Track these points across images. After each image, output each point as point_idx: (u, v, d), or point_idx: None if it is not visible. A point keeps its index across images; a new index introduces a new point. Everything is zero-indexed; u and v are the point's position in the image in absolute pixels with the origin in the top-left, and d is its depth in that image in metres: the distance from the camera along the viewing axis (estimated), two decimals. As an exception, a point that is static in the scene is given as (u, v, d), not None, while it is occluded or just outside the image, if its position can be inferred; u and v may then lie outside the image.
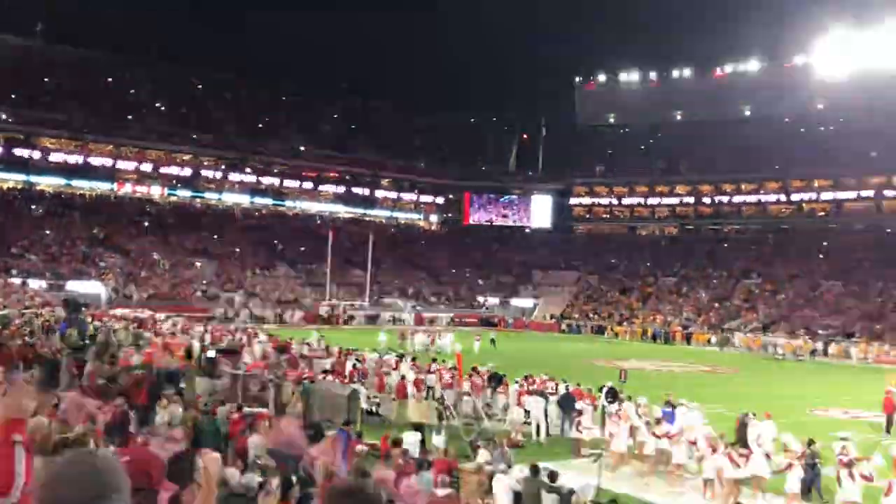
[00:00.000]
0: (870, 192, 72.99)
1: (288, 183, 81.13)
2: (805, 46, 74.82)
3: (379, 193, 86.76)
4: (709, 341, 58.33)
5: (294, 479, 10.47)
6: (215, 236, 71.34)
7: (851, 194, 74.01)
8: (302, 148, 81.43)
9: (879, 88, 72.03)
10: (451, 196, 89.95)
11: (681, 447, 15.15)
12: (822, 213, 76.24)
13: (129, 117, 73.88)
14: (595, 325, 66.21)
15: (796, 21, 74.16)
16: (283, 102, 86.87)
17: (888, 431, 21.93)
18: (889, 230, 70.37)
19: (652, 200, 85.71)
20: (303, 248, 72.63)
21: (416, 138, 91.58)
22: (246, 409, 16.55)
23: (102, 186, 71.67)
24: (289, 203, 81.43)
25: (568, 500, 10.26)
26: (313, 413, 18.84)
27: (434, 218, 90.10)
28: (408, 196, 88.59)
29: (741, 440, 16.64)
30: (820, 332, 56.33)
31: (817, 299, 63.29)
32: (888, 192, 72.03)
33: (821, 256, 69.86)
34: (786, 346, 52.89)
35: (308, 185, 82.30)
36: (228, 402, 17.18)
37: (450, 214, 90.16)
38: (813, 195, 76.60)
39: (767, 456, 14.31)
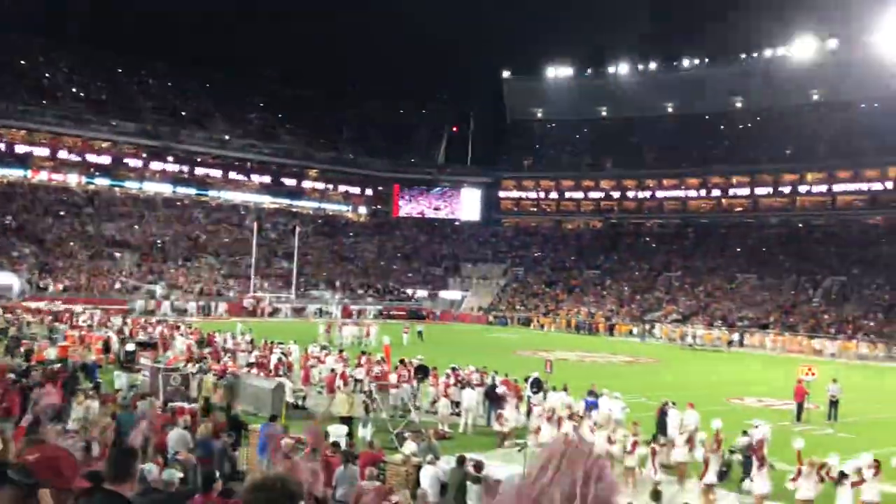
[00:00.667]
0: (785, 189, 75.91)
1: (212, 172, 79.32)
2: (735, 45, 77.23)
3: (306, 184, 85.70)
4: (630, 332, 59.84)
5: (217, 473, 10.28)
6: (135, 226, 69.30)
7: (768, 190, 76.85)
8: (227, 137, 79.76)
9: (794, 87, 75.16)
10: (380, 188, 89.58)
11: (601, 436, 15.46)
12: (740, 209, 78.95)
13: (45, 102, 71.00)
14: (521, 317, 67.06)
15: (730, 20, 76.31)
16: (209, 90, 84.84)
17: (798, 419, 22.87)
18: (802, 225, 73.38)
19: (578, 195, 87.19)
20: (227, 240, 71.26)
21: (345, 129, 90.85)
22: (166, 404, 16.17)
23: (15, 173, 68.77)
24: (213, 193, 79.58)
25: (494, 490, 10.37)
26: (236, 407, 18.53)
27: (363, 210, 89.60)
28: (336, 187, 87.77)
29: (661, 428, 17.11)
30: (737, 323, 58.44)
31: (734, 291, 65.54)
32: (802, 189, 75.03)
33: (738, 250, 72.33)
34: (704, 337, 54.68)
35: (233, 174, 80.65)
36: (148, 396, 16.75)
37: (379, 206, 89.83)
38: (731, 191, 79.23)
39: (690, 444, 14.72)
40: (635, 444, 14.59)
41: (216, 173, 79.51)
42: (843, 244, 67.00)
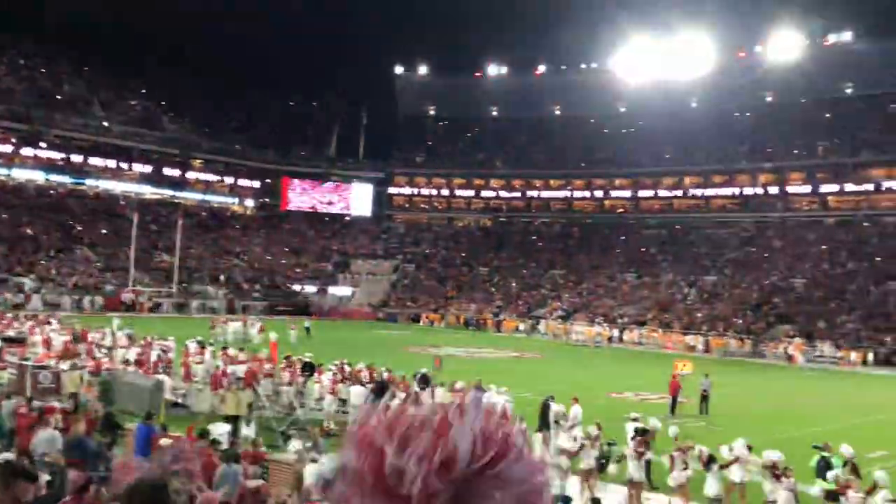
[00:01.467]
0: (664, 192, 79.37)
1: (89, 160, 75.33)
2: (610, 52, 79.84)
3: (190, 175, 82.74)
4: (517, 328, 61.11)
5: (90, 475, 9.77)
6: (4, 216, 65.04)
7: (648, 193, 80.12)
8: (106, 123, 75.99)
9: (674, 95, 78.74)
10: (268, 180, 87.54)
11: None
12: (621, 210, 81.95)
13: None
14: (411, 314, 67.26)
15: (602, 28, 78.89)
16: (87, 73, 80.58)
17: (672, 412, 23.90)
18: (679, 226, 76.89)
19: (469, 192, 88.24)
20: (104, 231, 67.94)
21: (233, 119, 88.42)
22: (35, 403, 15.27)
23: None
24: (90, 182, 75.47)
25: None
26: (111, 405, 17.70)
27: (250, 202, 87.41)
28: (222, 179, 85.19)
29: (544, 422, 17.54)
30: (617, 320, 60.65)
31: (615, 289, 67.99)
32: (679, 192, 78.65)
33: (619, 250, 75.10)
34: (586, 333, 56.48)
35: (112, 163, 76.83)
36: (15, 395, 15.77)
37: (267, 199, 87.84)
38: (613, 192, 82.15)
39: (575, 439, 15.12)
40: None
41: (94, 161, 75.55)
42: (716, 245, 70.66)
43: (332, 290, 73.75)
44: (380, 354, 30.29)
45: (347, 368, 23.22)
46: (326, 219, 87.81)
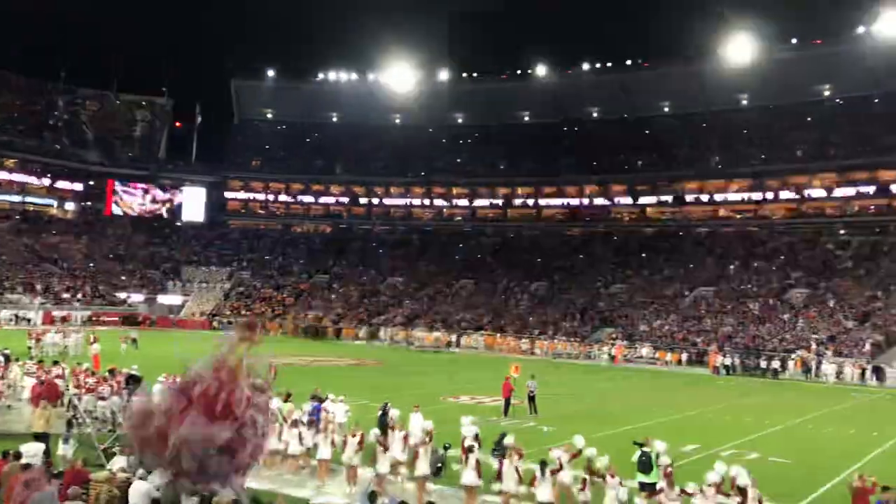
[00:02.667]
0: (498, 201, 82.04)
1: None
2: (445, 63, 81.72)
3: (2, 175, 76.24)
4: (357, 336, 60.98)
5: None
6: None
7: (484, 202, 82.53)
8: None
9: (510, 106, 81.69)
10: (91, 182, 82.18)
11: (327, 442, 15.57)
12: (459, 218, 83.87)
13: None
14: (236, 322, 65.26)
15: (439, 42, 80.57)
16: None
17: (505, 414, 24.72)
18: (512, 235, 79.75)
19: (308, 198, 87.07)
20: None
21: (51, 116, 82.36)
22: None
23: None
24: None
25: (209, 500, 10.00)
26: None
27: (70, 205, 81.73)
28: (39, 180, 79.02)
29: (382, 429, 17.61)
30: (455, 325, 61.96)
31: (453, 296, 69.43)
32: (516, 202, 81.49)
33: (457, 257, 76.80)
34: (426, 339, 57.29)
35: None
36: None
37: (90, 202, 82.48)
38: (451, 200, 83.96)
39: (405, 441, 15.28)
40: (361, 443, 14.93)
41: None
42: (546, 253, 73.85)
43: (161, 298, 70.40)
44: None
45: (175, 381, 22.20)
46: (155, 224, 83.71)
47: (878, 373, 44.14)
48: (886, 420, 29.04)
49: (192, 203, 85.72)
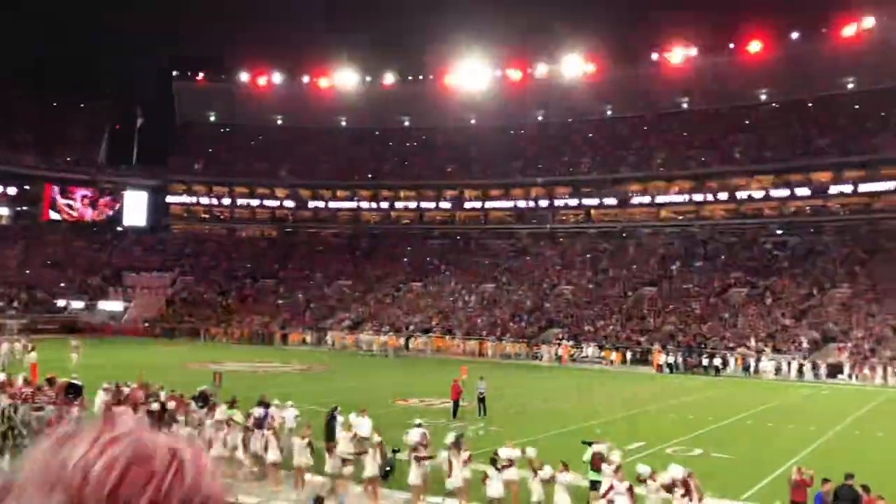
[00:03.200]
0: (444, 204, 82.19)
1: None
2: (398, 66, 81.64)
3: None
4: (304, 340, 60.41)
5: None
6: None
7: (431, 205, 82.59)
8: None
9: (455, 110, 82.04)
10: (27, 187, 79.65)
11: (274, 447, 15.42)
12: (407, 221, 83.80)
13: None
14: (190, 329, 64.22)
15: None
16: None
17: (454, 416, 24.82)
18: (460, 237, 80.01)
19: (253, 202, 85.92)
20: None
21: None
22: None
23: None
24: None
25: None
26: None
27: (4, 210, 79.14)
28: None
29: (330, 433, 17.53)
30: (404, 328, 61.82)
31: (401, 299, 69.31)
32: (467, 205, 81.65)
33: (405, 260, 76.69)
34: (374, 343, 57.05)
35: None
36: None
37: (26, 207, 79.97)
38: (399, 203, 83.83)
39: (353, 450, 15.21)
40: (310, 446, 14.86)
41: None
42: (494, 255, 74.27)
43: (102, 304, 68.70)
44: (158, 373, 28.66)
45: (126, 390, 21.69)
46: (95, 229, 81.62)
47: (815, 368, 45.58)
48: (823, 415, 29.99)
49: (134, 207, 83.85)
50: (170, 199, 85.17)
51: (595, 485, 13.77)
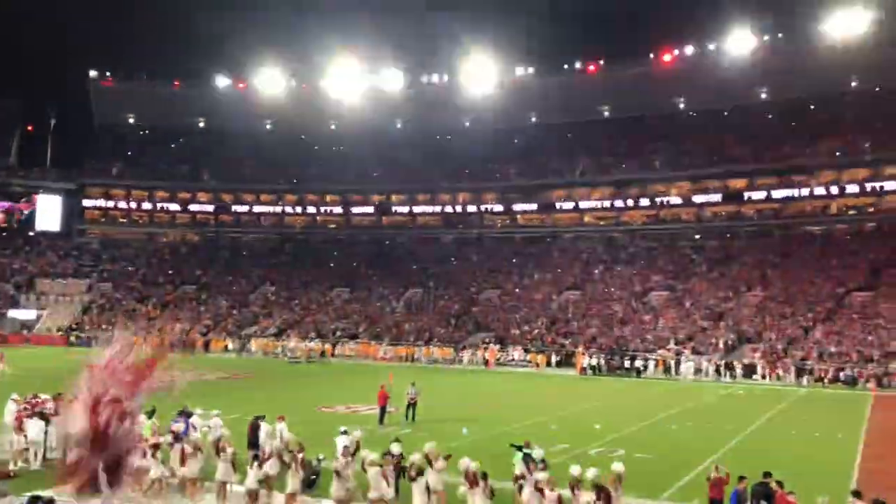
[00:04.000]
0: (370, 209, 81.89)
1: None
2: (323, 71, 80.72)
3: None
4: (226, 348, 59.23)
5: None
6: None
7: (358, 209, 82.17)
8: None
9: (382, 115, 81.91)
10: (-70, 190, 75.88)
11: (196, 460, 15.00)
12: (333, 226, 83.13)
13: None
14: (108, 337, 62.05)
15: (314, 45, 79.74)
16: None
17: (381, 422, 24.70)
18: (388, 242, 79.84)
19: (174, 206, 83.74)
20: None
21: None
22: None
23: None
24: None
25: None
26: None
27: None
28: None
29: (253, 442, 17.23)
30: (330, 334, 61.30)
31: (328, 304, 68.67)
32: (387, 209, 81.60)
33: (331, 265, 76.02)
34: (299, 350, 56.33)
35: None
36: None
37: (-72, 211, 76.11)
38: (325, 208, 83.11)
39: (281, 459, 14.91)
40: (234, 456, 14.54)
41: None
42: (421, 260, 74.37)
43: (12, 313, 65.94)
44: (70, 383, 27.53)
45: (41, 401, 20.72)
46: (5, 234, 78.17)
47: (731, 369, 47.18)
48: (739, 413, 31.03)
49: (47, 211, 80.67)
50: (86, 202, 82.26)
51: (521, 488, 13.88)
